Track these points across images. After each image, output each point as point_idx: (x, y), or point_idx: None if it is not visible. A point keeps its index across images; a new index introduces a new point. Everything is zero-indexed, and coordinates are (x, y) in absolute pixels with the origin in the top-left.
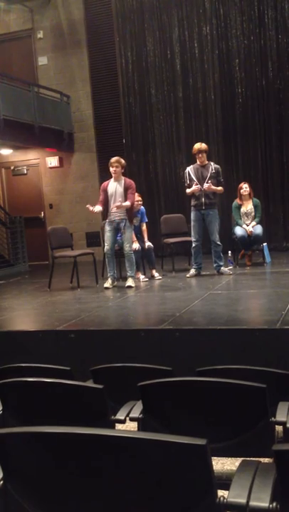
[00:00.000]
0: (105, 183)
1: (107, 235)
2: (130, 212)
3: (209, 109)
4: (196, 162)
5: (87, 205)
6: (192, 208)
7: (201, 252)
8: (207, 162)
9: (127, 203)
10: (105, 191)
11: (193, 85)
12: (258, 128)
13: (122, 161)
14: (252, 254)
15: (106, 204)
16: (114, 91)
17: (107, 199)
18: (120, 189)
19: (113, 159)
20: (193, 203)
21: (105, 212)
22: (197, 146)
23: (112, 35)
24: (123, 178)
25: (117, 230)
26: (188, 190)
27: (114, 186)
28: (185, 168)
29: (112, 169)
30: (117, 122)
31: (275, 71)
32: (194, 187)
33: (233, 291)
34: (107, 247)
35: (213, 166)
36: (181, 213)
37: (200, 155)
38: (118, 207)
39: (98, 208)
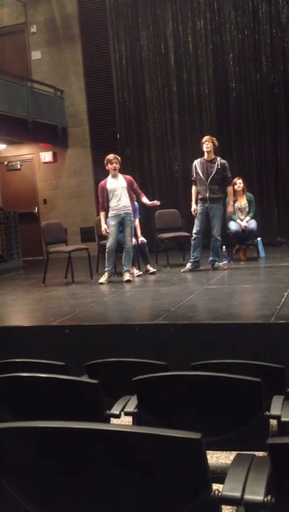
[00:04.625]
0: (103, 182)
1: (112, 230)
2: (134, 207)
3: (203, 103)
4: (202, 155)
5: (103, 230)
6: (198, 202)
7: (200, 246)
8: (214, 157)
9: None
10: (104, 190)
11: (188, 80)
12: (252, 122)
13: (119, 157)
14: (246, 248)
15: (107, 202)
16: (108, 86)
17: (108, 197)
18: (121, 184)
19: (112, 156)
20: (198, 196)
21: (107, 210)
22: (206, 137)
23: (106, 30)
24: (119, 174)
25: (120, 225)
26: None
27: (113, 182)
28: (179, 163)
29: (112, 166)
30: (111, 117)
31: (269, 65)
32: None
33: (228, 285)
34: (111, 241)
35: (219, 161)
36: (176, 208)
37: (206, 143)
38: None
39: (104, 227)
